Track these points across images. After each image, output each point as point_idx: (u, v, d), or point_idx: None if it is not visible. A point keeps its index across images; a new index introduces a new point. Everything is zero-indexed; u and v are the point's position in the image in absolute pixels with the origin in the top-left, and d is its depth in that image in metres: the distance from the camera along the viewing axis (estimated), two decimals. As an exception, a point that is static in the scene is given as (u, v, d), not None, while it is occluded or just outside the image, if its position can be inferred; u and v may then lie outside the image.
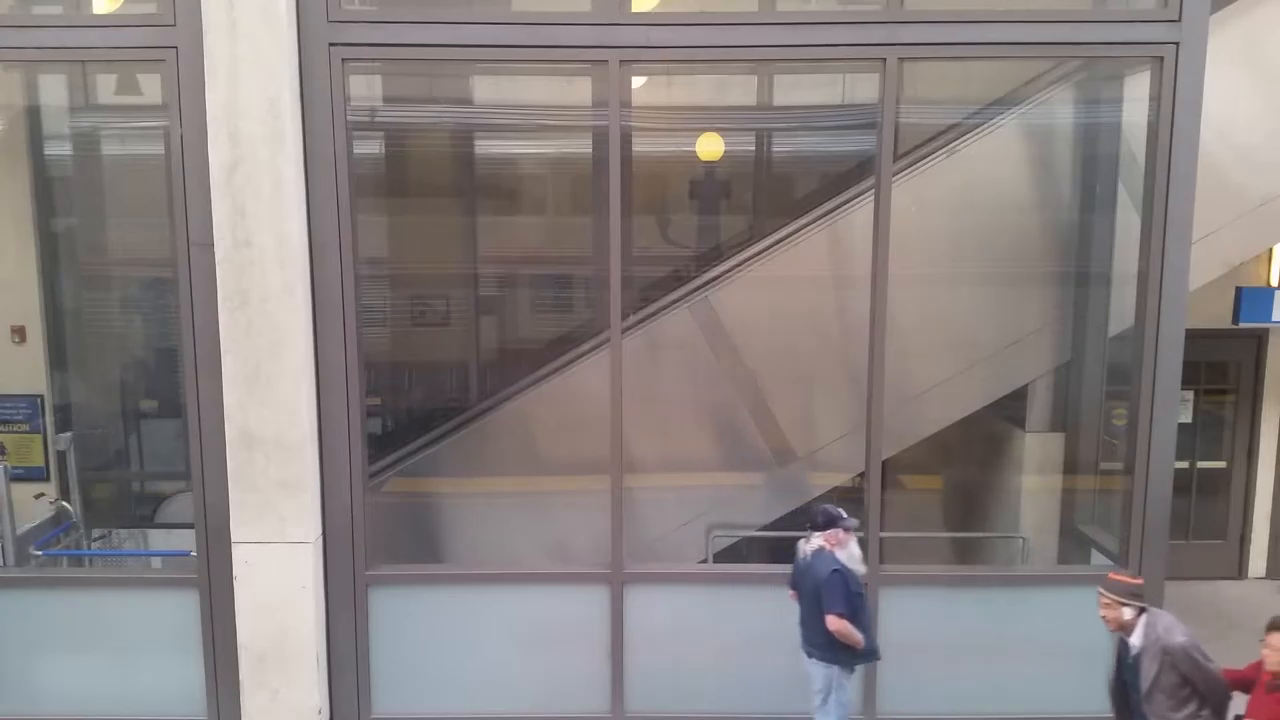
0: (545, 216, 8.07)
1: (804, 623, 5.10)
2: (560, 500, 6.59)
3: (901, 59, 5.32)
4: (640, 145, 6.29)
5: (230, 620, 5.49)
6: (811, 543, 5.06)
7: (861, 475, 5.85)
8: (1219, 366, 8.15)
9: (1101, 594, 4.50)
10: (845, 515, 5.06)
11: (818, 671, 5.05)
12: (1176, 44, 5.24)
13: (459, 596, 5.80)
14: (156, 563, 7.26)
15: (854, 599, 4.90)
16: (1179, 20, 5.23)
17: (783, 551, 6.44)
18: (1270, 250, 7.70)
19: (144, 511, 7.71)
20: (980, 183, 6.41)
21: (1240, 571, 8.36)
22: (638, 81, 6.09)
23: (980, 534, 7.53)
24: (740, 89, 7.57)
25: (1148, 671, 4.37)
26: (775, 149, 7.81)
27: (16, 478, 6.95)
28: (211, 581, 5.54)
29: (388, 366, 7.63)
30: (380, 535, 5.78)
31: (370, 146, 7.01)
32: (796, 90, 7.59)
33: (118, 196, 7.51)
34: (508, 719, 5.85)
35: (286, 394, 5.28)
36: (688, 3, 6.14)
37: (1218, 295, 7.43)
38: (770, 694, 5.72)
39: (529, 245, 7.91)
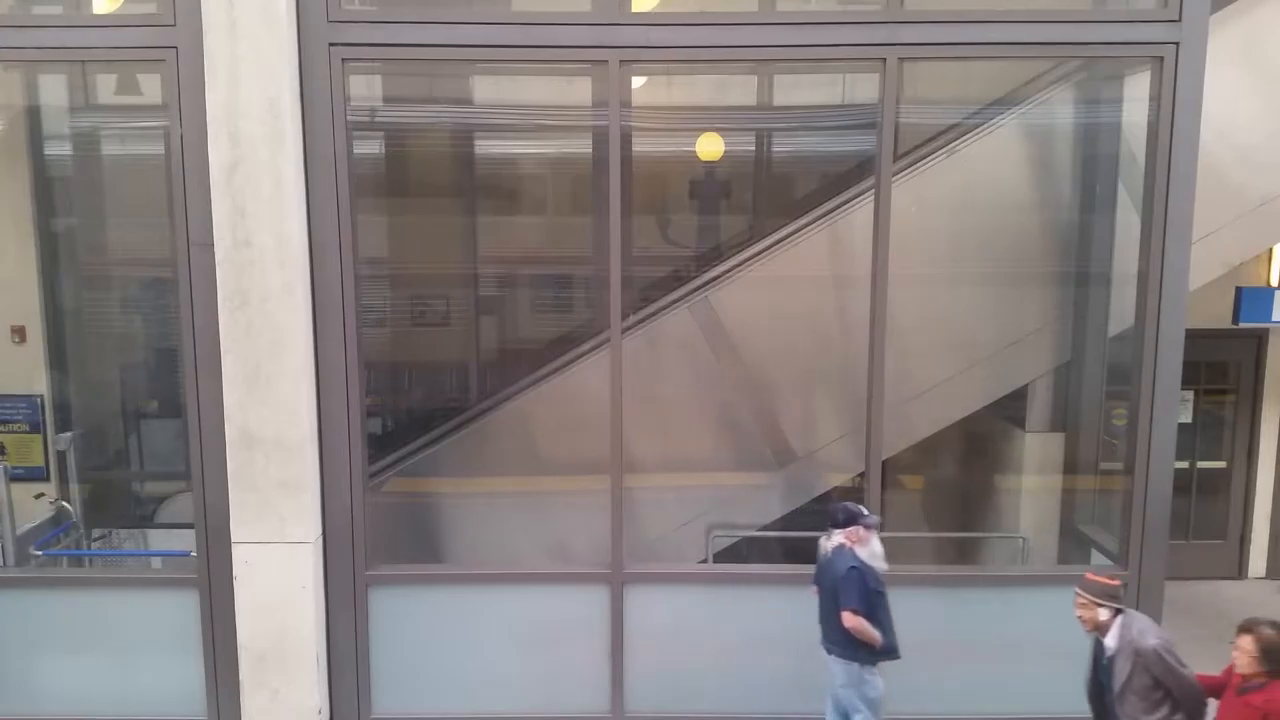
0: (545, 216, 8.06)
1: (823, 619, 5.09)
2: (560, 500, 6.59)
3: (901, 59, 5.33)
4: (640, 145, 6.27)
5: (230, 620, 5.49)
6: (832, 539, 5.04)
7: (861, 475, 5.85)
8: (1219, 366, 8.15)
9: (1078, 594, 4.50)
10: (866, 512, 5.04)
11: (839, 668, 5.03)
12: (1176, 44, 5.25)
13: (459, 596, 5.80)
14: (156, 563, 7.26)
15: (872, 596, 4.87)
16: (1179, 20, 5.24)
17: (783, 551, 6.47)
18: (1270, 250, 7.70)
19: (144, 511, 7.71)
20: (980, 183, 6.41)
21: (1240, 571, 8.36)
22: (638, 81, 6.08)
23: (980, 534, 7.52)
24: (740, 89, 7.56)
25: (1120, 672, 4.37)
26: (775, 149, 7.80)
27: (16, 478, 6.95)
28: (211, 581, 5.55)
29: (388, 366, 7.61)
30: (380, 535, 5.78)
31: (370, 146, 7.00)
32: (796, 90, 7.58)
33: (118, 196, 7.49)
34: (508, 719, 5.85)
35: (286, 394, 5.29)
36: (688, 3, 6.13)
37: (1218, 295, 7.44)
38: (770, 694, 5.72)
39: (529, 245, 7.90)
